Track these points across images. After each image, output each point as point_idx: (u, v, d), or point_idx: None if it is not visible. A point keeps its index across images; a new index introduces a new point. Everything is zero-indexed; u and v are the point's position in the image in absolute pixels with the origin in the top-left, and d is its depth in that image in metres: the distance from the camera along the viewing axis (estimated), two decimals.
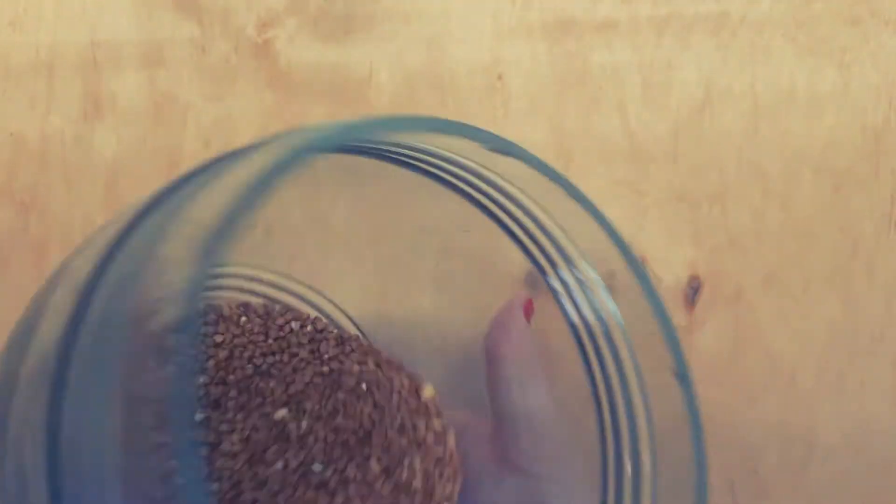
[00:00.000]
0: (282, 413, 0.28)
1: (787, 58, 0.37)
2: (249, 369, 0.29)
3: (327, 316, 0.32)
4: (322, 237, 0.32)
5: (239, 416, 0.28)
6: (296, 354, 0.30)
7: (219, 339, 0.29)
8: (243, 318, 0.30)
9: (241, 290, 0.32)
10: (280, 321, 0.30)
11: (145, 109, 0.38)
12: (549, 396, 0.31)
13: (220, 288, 0.31)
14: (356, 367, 0.30)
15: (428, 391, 0.30)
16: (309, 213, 0.32)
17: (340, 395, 0.29)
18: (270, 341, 0.30)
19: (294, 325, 0.30)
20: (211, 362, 0.29)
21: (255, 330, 0.30)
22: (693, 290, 0.37)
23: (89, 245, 0.23)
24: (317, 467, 0.27)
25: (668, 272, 0.38)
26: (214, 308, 0.30)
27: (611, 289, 0.27)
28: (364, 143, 0.24)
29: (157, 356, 0.17)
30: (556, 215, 0.27)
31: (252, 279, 0.32)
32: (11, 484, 0.20)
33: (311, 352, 0.30)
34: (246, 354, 0.29)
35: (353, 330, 0.32)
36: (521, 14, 0.38)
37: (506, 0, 0.38)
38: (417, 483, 0.28)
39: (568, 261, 0.28)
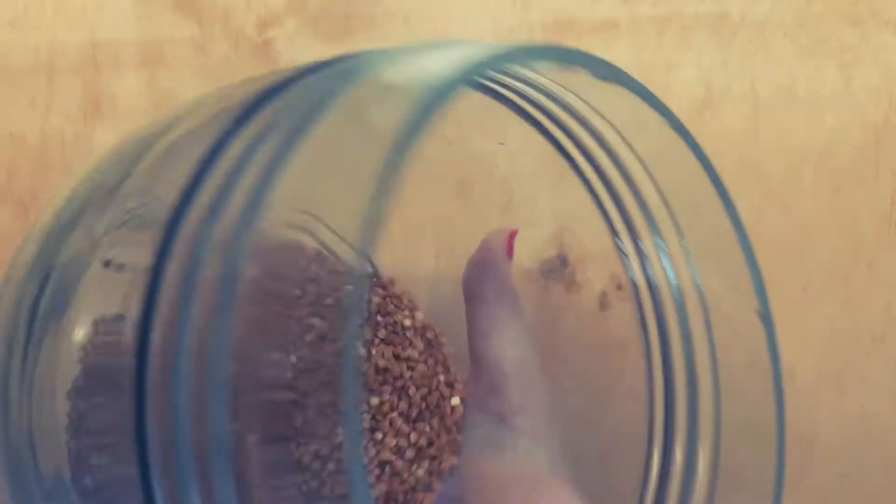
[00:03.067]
0: None
1: (787, 58, 0.37)
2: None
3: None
4: None
5: None
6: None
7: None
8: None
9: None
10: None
11: (145, 109, 0.38)
12: (526, 342, 0.29)
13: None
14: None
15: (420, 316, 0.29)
16: None
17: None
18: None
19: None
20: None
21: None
22: None
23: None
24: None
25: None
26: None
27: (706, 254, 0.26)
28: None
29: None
30: (654, 166, 0.26)
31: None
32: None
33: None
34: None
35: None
36: (521, 14, 0.38)
37: (506, 0, 0.38)
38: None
39: (651, 225, 0.27)
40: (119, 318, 0.19)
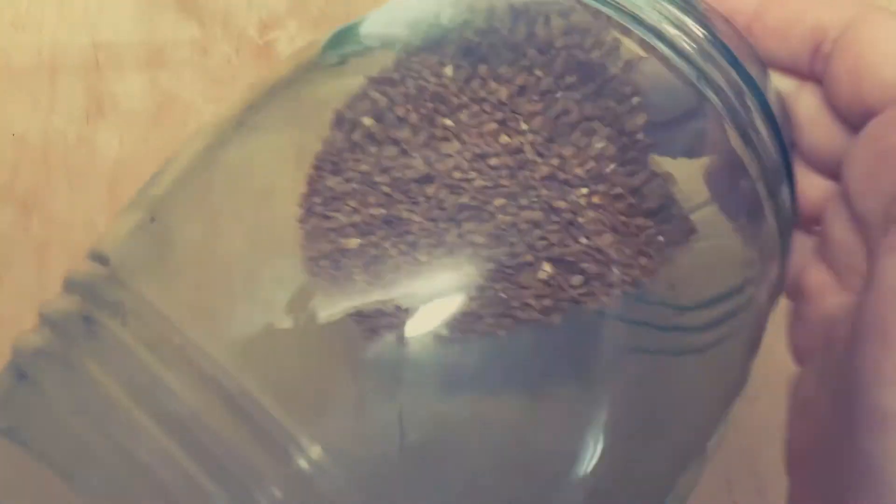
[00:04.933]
0: None
1: None
2: None
3: None
4: None
5: None
6: None
7: None
8: None
9: None
10: None
11: (147, 110, 0.38)
12: None
13: None
14: None
15: None
16: None
17: None
18: None
19: None
20: None
21: None
22: None
23: None
24: None
25: None
26: None
27: None
28: None
29: None
30: None
31: None
32: None
33: None
34: None
35: None
36: None
37: None
38: None
39: None
40: None
